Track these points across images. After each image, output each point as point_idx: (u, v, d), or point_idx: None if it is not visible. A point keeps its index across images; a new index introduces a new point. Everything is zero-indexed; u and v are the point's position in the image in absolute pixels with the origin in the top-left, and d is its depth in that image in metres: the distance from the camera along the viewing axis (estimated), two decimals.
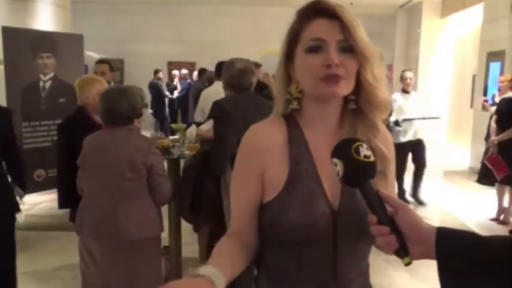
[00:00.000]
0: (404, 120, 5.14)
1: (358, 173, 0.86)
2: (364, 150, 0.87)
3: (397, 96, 5.25)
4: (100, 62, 4.37)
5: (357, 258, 1.02)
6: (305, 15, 0.99)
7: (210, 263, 0.90)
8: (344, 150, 0.87)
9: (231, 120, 2.38)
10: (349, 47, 0.95)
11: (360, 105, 1.01)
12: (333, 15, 0.96)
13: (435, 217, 5.01)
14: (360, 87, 0.99)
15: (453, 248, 0.81)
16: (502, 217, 4.88)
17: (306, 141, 1.02)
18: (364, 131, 1.00)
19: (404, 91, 5.22)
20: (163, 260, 2.89)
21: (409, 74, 5.22)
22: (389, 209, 0.86)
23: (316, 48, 0.95)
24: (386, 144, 1.02)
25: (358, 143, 0.87)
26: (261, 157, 1.01)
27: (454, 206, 5.41)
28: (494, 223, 4.86)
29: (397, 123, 5.10)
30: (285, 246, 0.99)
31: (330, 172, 0.96)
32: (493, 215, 4.96)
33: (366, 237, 0.96)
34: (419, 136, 5.26)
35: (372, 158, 0.87)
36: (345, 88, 0.96)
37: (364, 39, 0.96)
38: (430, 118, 5.25)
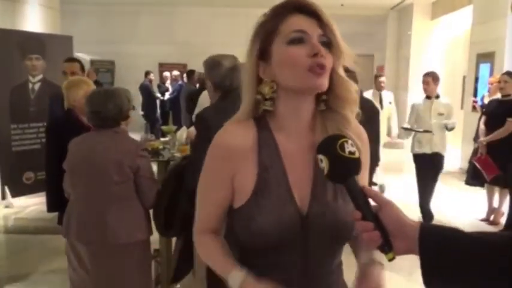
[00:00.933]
0: (404, 129, 4.65)
1: (343, 170, 0.87)
2: (349, 147, 0.87)
3: (417, 102, 4.67)
4: (70, 60, 3.70)
5: (327, 259, 1.03)
6: (279, 13, 0.98)
7: (233, 266, 1.00)
8: (329, 146, 0.88)
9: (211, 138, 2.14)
10: (327, 43, 0.96)
11: (329, 103, 1.01)
12: (310, 12, 0.97)
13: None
14: (331, 86, 0.99)
15: (436, 244, 0.81)
16: (492, 217, 4.92)
17: (277, 145, 1.01)
18: (334, 126, 1.00)
19: (427, 97, 4.49)
20: (154, 262, 2.87)
21: (424, 79, 4.50)
22: (373, 204, 0.87)
23: (298, 39, 0.95)
24: (359, 136, 1.03)
25: (343, 140, 0.88)
26: (232, 159, 0.99)
27: (444, 207, 5.44)
28: (484, 223, 4.90)
29: (406, 129, 4.63)
30: (256, 250, 1.00)
31: (300, 176, 0.99)
32: (483, 215, 5.00)
33: (336, 239, 0.99)
34: (436, 149, 4.45)
35: (357, 154, 0.88)
36: (327, 81, 0.97)
37: (340, 36, 0.98)
38: (420, 131, 4.49)
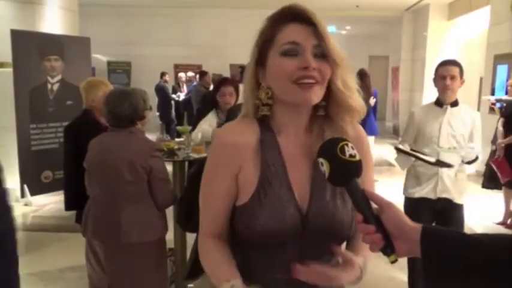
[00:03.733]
0: (398, 150, 2.75)
1: (344, 173, 0.87)
2: (350, 150, 0.87)
3: (417, 109, 2.96)
4: None
5: (326, 257, 1.04)
6: (278, 20, 0.99)
7: (234, 273, 0.98)
8: (329, 149, 0.88)
9: None
10: (323, 53, 0.96)
11: (328, 111, 1.01)
12: (306, 20, 0.96)
13: None
14: (330, 94, 0.99)
15: (438, 246, 0.82)
16: (509, 221, 4.85)
17: (278, 144, 1.02)
18: (332, 131, 1.01)
19: (438, 102, 2.74)
20: (169, 261, 2.90)
21: (448, 70, 2.68)
22: (374, 207, 0.87)
23: (291, 51, 0.95)
24: (358, 139, 1.02)
25: (344, 142, 0.88)
26: (236, 156, 1.00)
27: None
28: (501, 227, 4.83)
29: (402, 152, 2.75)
30: (257, 248, 1.01)
31: (300, 176, 1.00)
32: (500, 218, 4.93)
33: (334, 237, 1.00)
34: (445, 194, 2.67)
35: (358, 157, 0.88)
36: (319, 94, 0.97)
37: (336, 46, 0.97)
38: (430, 162, 2.60)
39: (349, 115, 1.01)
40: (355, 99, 1.00)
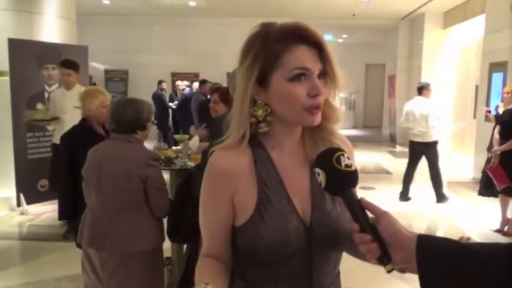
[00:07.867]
0: None
1: (340, 182, 0.88)
2: (346, 160, 0.88)
3: None
4: None
5: (330, 267, 1.04)
6: (284, 41, 0.96)
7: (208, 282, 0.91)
8: (326, 160, 0.89)
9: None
10: (324, 73, 0.98)
11: None
12: (313, 43, 0.96)
13: (438, 228, 4.98)
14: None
15: (434, 255, 0.82)
16: (506, 228, 4.85)
17: (272, 161, 1.02)
18: (324, 138, 1.03)
19: None
20: (166, 270, 2.89)
21: None
22: (370, 216, 0.88)
23: (300, 76, 0.95)
24: (344, 144, 1.05)
25: (340, 153, 0.89)
26: (230, 181, 1.00)
27: (458, 217, 5.39)
28: (498, 234, 4.84)
29: None
30: (262, 265, 1.00)
31: (298, 188, 1.00)
32: (497, 226, 4.94)
33: (337, 247, 1.01)
34: None
35: (353, 167, 0.89)
36: (320, 117, 0.99)
37: (337, 67, 0.99)
38: None
39: (334, 123, 1.05)
40: (339, 110, 1.04)
